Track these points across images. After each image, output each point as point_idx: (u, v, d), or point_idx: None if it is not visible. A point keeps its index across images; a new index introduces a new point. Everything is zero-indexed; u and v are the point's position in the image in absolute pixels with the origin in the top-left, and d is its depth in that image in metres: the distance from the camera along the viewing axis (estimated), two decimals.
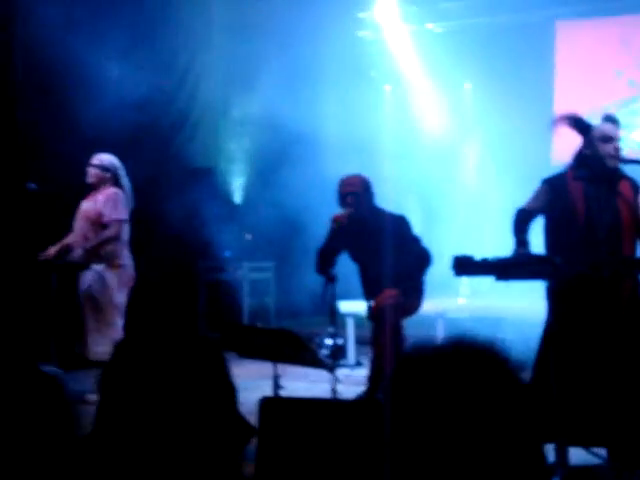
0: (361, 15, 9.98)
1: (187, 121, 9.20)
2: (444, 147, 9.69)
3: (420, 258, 5.40)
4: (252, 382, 4.94)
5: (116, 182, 6.39)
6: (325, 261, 5.32)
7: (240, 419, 1.52)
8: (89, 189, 6.45)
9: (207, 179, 9.34)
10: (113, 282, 6.32)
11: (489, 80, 9.48)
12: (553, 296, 4.31)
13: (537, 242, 4.68)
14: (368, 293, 5.47)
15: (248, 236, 9.72)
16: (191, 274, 9.33)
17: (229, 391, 1.51)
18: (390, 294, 5.23)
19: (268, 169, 9.72)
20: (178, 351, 1.48)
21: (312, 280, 7.03)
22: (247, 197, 10.12)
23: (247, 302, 9.60)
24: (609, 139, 4.47)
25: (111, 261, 6.30)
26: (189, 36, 8.99)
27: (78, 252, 6.34)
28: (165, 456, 1.43)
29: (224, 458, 1.48)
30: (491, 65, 9.45)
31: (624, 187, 4.52)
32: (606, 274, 4.26)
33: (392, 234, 5.31)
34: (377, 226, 5.35)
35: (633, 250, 4.49)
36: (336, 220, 5.35)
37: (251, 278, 9.75)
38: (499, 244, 4.62)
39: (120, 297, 6.37)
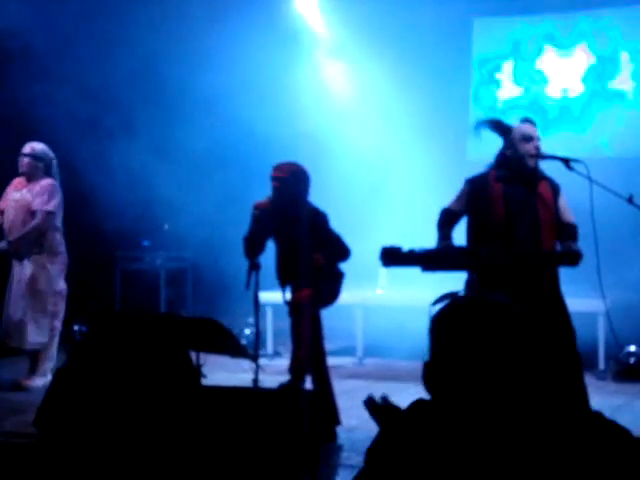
0: (285, 7, 10.00)
1: None
2: (364, 142, 9.77)
3: (339, 253, 5.44)
4: None
5: (48, 172, 6.29)
6: (252, 248, 5.31)
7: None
8: (14, 177, 6.37)
9: (124, 168, 9.22)
10: (54, 271, 6.27)
11: (405, 76, 9.60)
12: (474, 287, 4.43)
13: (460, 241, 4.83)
14: (283, 280, 5.50)
15: (166, 226, 9.65)
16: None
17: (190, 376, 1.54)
18: (307, 293, 5.27)
19: (189, 157, 9.66)
20: (146, 337, 1.50)
21: (230, 270, 7.05)
22: (166, 185, 10.02)
23: (164, 292, 9.54)
24: (529, 138, 4.65)
25: (51, 250, 6.25)
26: None
27: (2, 244, 6.26)
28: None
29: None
30: (407, 62, 9.57)
31: (543, 188, 4.69)
32: (527, 267, 4.41)
33: (311, 227, 5.34)
34: (297, 218, 5.37)
35: (551, 246, 4.66)
36: (257, 207, 5.36)
37: (168, 267, 9.70)
38: (421, 242, 4.71)
39: (61, 284, 6.31)
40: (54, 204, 6.23)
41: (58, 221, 6.32)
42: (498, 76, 9.82)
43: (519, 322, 1.62)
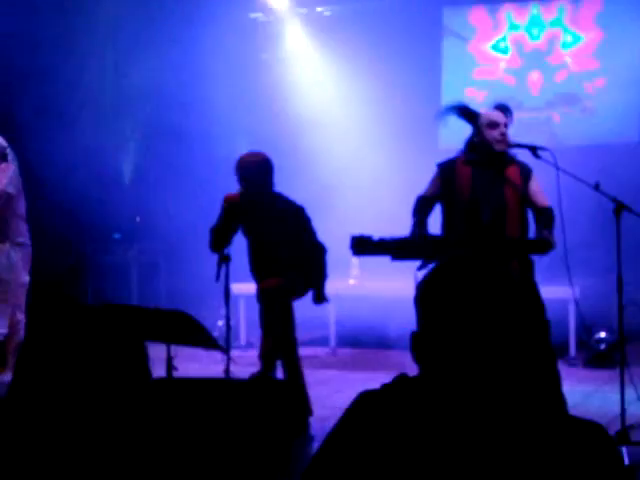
0: None
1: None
2: (331, 132, 9.77)
3: (313, 250, 5.43)
4: None
5: (4, 158, 6.22)
6: (219, 240, 5.30)
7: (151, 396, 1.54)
8: None
9: (95, 159, 9.16)
10: (18, 261, 6.19)
11: (376, 65, 9.60)
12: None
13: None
14: (257, 273, 5.49)
15: (137, 218, 9.59)
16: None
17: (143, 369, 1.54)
18: (274, 281, 5.27)
19: (160, 149, 9.62)
20: (95, 329, 1.49)
21: (202, 263, 7.03)
22: (137, 178, 9.99)
23: (136, 285, 9.50)
24: (495, 125, 4.67)
25: (14, 239, 6.16)
26: None
27: None
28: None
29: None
30: (378, 50, 9.57)
31: (512, 172, 4.71)
32: (494, 254, 4.43)
33: (286, 220, 5.33)
34: (269, 208, 5.35)
35: (518, 233, 4.68)
36: (227, 200, 5.34)
37: (140, 261, 9.65)
38: (392, 231, 4.72)
39: (25, 276, 6.24)
40: (6, 183, 6.11)
41: (19, 208, 6.21)
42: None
43: (513, 283, 1.52)
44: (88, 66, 8.91)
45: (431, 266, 1.65)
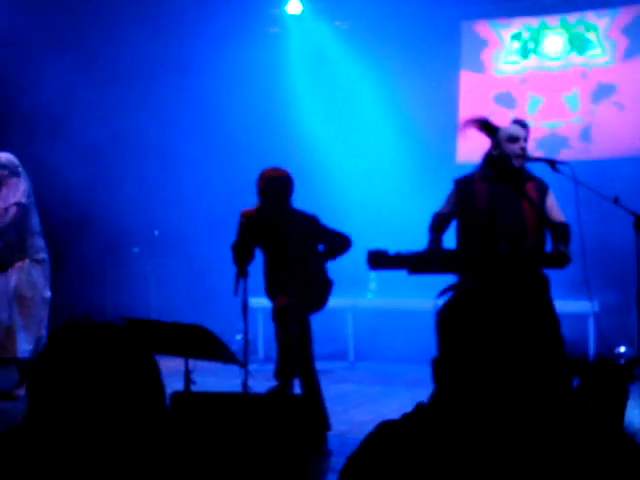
0: (273, 11, 10.01)
1: None
2: (349, 146, 9.79)
3: (342, 244, 5.44)
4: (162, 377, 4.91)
5: (17, 175, 6.27)
6: (240, 256, 5.30)
7: (166, 412, 1.54)
8: None
9: (114, 173, 9.23)
10: (39, 277, 6.25)
11: (394, 78, 9.61)
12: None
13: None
14: (271, 290, 5.49)
15: (156, 232, 9.63)
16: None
17: (158, 386, 1.54)
18: (289, 299, 5.27)
19: (178, 162, 9.67)
20: (108, 347, 1.49)
21: (220, 277, 7.05)
22: (156, 191, 10.04)
23: (154, 298, 9.52)
24: (515, 139, 4.66)
25: (32, 255, 6.22)
26: None
27: None
28: (92, 447, 1.44)
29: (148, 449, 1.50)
30: (396, 64, 9.59)
31: (529, 188, 4.70)
32: (511, 269, 4.41)
33: (305, 233, 5.33)
34: (285, 226, 5.35)
35: (535, 247, 4.66)
36: (244, 215, 5.35)
37: (159, 274, 9.68)
38: (409, 246, 4.71)
39: (47, 292, 6.29)
40: (19, 197, 6.16)
41: (33, 224, 6.26)
42: None
43: (531, 308, 1.53)
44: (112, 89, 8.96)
45: (450, 293, 1.67)
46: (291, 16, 10.04)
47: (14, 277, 6.18)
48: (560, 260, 4.39)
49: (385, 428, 1.54)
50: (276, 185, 5.29)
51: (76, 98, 8.61)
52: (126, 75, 9.12)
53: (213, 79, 9.33)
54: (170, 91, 9.31)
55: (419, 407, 1.56)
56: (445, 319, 1.56)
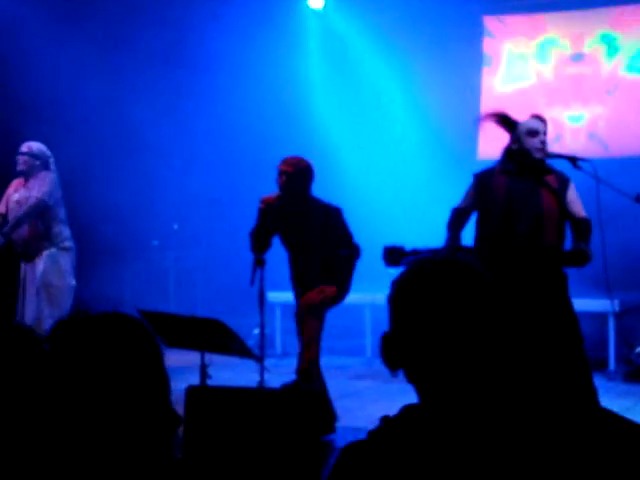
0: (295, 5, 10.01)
1: None
2: (372, 141, 9.76)
3: (349, 254, 5.39)
4: (178, 371, 4.92)
5: (47, 168, 6.31)
6: (258, 243, 5.28)
7: (170, 408, 1.53)
8: (14, 176, 6.38)
9: (134, 165, 9.25)
10: (67, 265, 6.28)
11: (416, 73, 9.58)
12: None
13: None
14: (296, 284, 5.44)
15: (175, 226, 9.65)
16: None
17: (162, 380, 1.52)
18: (313, 295, 5.23)
19: (198, 156, 9.68)
20: (111, 338, 1.48)
21: (238, 270, 7.04)
22: (176, 185, 10.06)
23: (173, 291, 9.55)
24: (535, 133, 4.61)
25: (59, 244, 6.25)
26: None
27: None
28: (95, 444, 1.43)
29: (154, 446, 1.48)
30: (418, 59, 9.55)
31: (550, 181, 4.64)
32: (530, 266, 4.36)
33: (322, 225, 5.30)
34: (306, 214, 5.32)
35: (555, 243, 4.59)
36: (264, 201, 5.32)
37: (177, 267, 9.70)
38: (427, 240, 4.68)
39: (72, 280, 6.32)
40: (45, 191, 6.20)
41: (60, 213, 6.31)
42: None
43: (488, 284, 1.43)
44: (130, 83, 8.98)
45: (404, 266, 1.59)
46: (313, 10, 10.02)
47: (41, 265, 6.21)
48: (580, 258, 4.32)
49: (349, 452, 1.44)
50: (296, 173, 5.26)
51: (96, 93, 8.65)
52: (144, 68, 9.14)
53: (231, 72, 9.33)
54: (189, 86, 9.32)
55: (385, 421, 1.45)
56: (394, 294, 1.48)
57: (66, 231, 6.34)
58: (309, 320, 5.23)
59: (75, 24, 8.30)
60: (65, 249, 6.30)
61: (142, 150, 9.19)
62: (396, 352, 1.46)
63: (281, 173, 5.29)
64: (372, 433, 1.44)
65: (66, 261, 6.29)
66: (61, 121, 8.27)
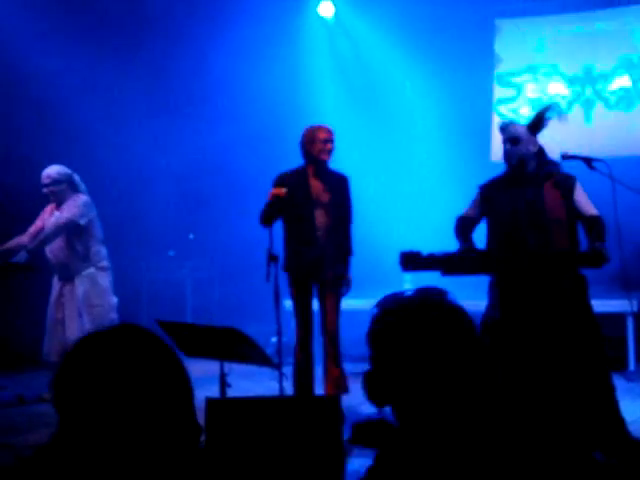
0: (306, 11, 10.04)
1: None
2: (385, 142, 9.75)
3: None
4: (198, 380, 4.91)
5: (74, 189, 6.25)
6: (269, 213, 5.36)
7: (193, 419, 1.53)
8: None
9: (150, 177, 9.28)
10: (105, 284, 6.26)
11: (428, 76, 9.56)
12: (497, 290, 4.38)
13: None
14: (292, 265, 5.50)
15: (191, 235, 9.68)
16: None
17: (185, 391, 1.53)
18: (334, 319, 5.34)
19: (213, 165, 9.69)
20: (135, 351, 1.49)
21: (255, 279, 7.04)
22: (191, 195, 10.08)
23: (190, 301, 9.56)
24: (514, 141, 4.62)
25: (96, 263, 6.24)
26: None
27: (23, 254, 6.20)
28: (121, 454, 1.43)
29: (178, 456, 1.49)
30: (431, 62, 9.53)
31: (551, 187, 4.58)
32: (545, 269, 4.33)
33: (340, 192, 5.53)
34: (331, 185, 5.50)
35: (567, 246, 4.53)
36: (277, 194, 5.36)
37: (194, 277, 9.71)
38: (439, 244, 4.67)
39: (113, 298, 6.30)
40: (75, 212, 6.16)
41: (97, 232, 6.29)
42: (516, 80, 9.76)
43: (463, 323, 1.53)
44: (148, 94, 9.01)
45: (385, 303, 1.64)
46: (323, 19, 10.06)
47: (81, 287, 6.20)
48: (597, 259, 4.26)
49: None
50: (333, 139, 5.46)
51: (111, 99, 8.69)
52: (159, 77, 9.18)
53: (243, 75, 9.33)
54: (198, 97, 9.34)
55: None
56: (372, 334, 1.57)
57: (103, 250, 6.33)
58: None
59: (77, 35, 8.31)
60: (102, 268, 6.28)
61: (157, 159, 9.22)
62: (379, 389, 1.53)
63: (331, 141, 5.47)
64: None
65: (104, 280, 6.28)
66: (63, 131, 8.29)
